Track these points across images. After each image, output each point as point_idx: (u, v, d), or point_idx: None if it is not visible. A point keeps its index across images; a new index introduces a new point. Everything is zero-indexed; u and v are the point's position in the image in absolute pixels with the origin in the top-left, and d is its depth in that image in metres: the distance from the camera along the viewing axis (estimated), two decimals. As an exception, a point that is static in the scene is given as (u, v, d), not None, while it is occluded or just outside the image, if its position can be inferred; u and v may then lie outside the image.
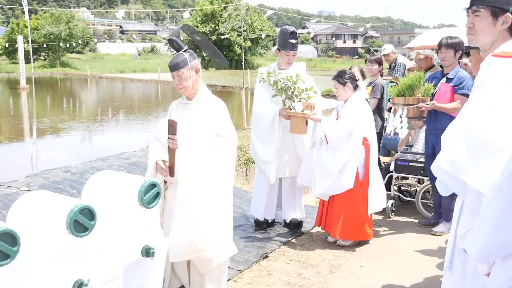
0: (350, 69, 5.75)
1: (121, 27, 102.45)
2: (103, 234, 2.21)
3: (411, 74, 5.44)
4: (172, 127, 3.24)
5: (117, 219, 2.32)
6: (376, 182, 5.18)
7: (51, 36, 49.09)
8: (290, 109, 5.05)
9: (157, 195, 2.41)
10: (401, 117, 5.31)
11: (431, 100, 5.21)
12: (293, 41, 5.17)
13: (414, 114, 5.29)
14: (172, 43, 3.44)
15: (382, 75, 7.39)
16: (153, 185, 2.39)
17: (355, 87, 5.08)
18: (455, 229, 2.59)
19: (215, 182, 3.28)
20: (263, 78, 5.09)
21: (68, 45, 49.04)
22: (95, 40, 72.05)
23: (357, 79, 5.14)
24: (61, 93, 30.65)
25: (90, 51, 67.38)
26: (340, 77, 5.05)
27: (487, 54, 2.52)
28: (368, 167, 5.06)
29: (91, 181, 2.47)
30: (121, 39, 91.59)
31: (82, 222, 2.03)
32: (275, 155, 5.12)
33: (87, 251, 2.15)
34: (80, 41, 52.64)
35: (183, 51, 3.41)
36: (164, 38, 77.16)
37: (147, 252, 2.40)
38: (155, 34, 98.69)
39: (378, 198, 5.19)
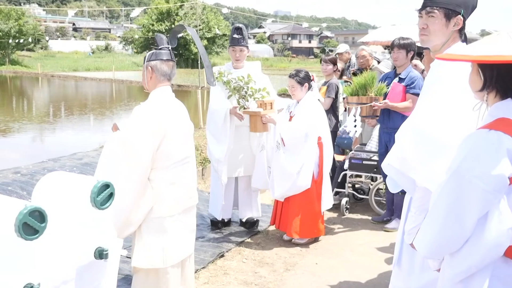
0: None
1: (74, 24, 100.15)
2: (54, 236, 2.16)
3: (364, 73, 5.55)
4: (113, 129, 3.23)
5: (69, 221, 2.27)
6: (328, 180, 5.28)
7: (0, 33, 47.50)
8: (245, 108, 5.06)
9: (111, 195, 2.37)
10: (354, 116, 5.41)
11: (384, 99, 5.33)
12: (237, 36, 5.19)
13: (367, 113, 5.40)
14: (156, 38, 3.40)
15: (342, 75, 7.52)
16: (107, 186, 2.35)
17: (310, 87, 5.13)
18: (403, 225, 2.66)
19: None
20: (216, 78, 5.09)
21: (18, 43, 47.56)
22: (47, 38, 70.08)
23: (313, 79, 5.20)
24: (11, 92, 29.67)
25: (42, 48, 65.52)
26: (299, 76, 5.08)
27: (438, 54, 2.59)
28: (322, 166, 5.13)
29: (42, 182, 2.41)
30: (74, 37, 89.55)
31: (32, 224, 1.98)
32: (227, 153, 5.12)
33: (38, 254, 2.09)
34: (30, 39, 51.16)
35: (157, 48, 3.34)
36: (119, 37, 75.92)
37: (100, 254, 2.36)
38: (109, 32, 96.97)
39: (330, 196, 5.30)
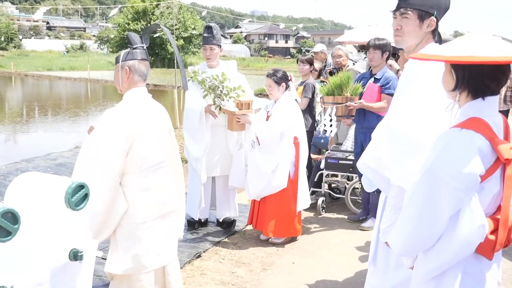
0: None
1: (48, 23, 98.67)
2: (27, 238, 2.13)
3: (340, 73, 5.59)
4: (89, 131, 3.18)
5: (43, 222, 2.24)
6: (304, 180, 5.30)
7: (-28, 32, 46.61)
8: (221, 108, 5.06)
9: (86, 196, 2.34)
10: (330, 116, 5.44)
11: (360, 99, 5.38)
12: (207, 34, 5.20)
13: (343, 113, 5.45)
14: (128, 37, 3.31)
15: (320, 75, 7.54)
16: (81, 187, 2.32)
17: (287, 87, 5.15)
18: (379, 223, 2.69)
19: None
20: (191, 77, 5.09)
21: (-10, 41, 46.69)
22: (20, 36, 68.96)
23: (290, 79, 5.22)
24: (-17, 92, 29.14)
25: (15, 47, 64.34)
26: (276, 76, 5.09)
27: (412, 54, 2.63)
28: (298, 166, 5.15)
29: (15, 183, 2.37)
30: (48, 36, 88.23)
31: (4, 226, 1.94)
32: (205, 152, 5.11)
33: (10, 257, 2.06)
34: (3, 37, 50.23)
35: (132, 48, 3.23)
36: (94, 36, 75.07)
37: (75, 256, 2.33)
38: (84, 31, 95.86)
39: (306, 195, 5.31)
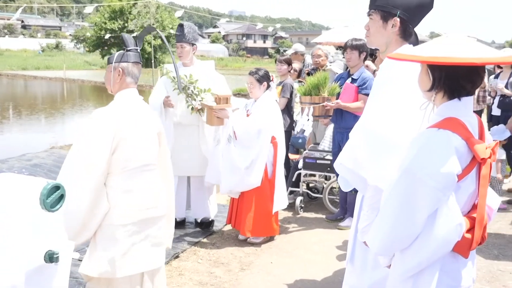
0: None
1: (22, 21, 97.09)
2: (1, 240, 2.09)
3: (317, 73, 5.62)
4: None
5: (18, 224, 2.20)
6: (282, 180, 5.30)
7: None
8: (193, 108, 5.06)
9: (61, 197, 2.31)
10: (308, 116, 5.48)
11: (337, 99, 5.41)
12: (178, 33, 5.24)
13: (320, 113, 5.47)
14: (123, 39, 3.28)
15: (300, 75, 7.56)
16: (57, 187, 2.29)
17: (268, 87, 5.16)
18: (356, 223, 2.71)
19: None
20: (163, 74, 5.10)
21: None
22: (-6, 35, 67.77)
23: (272, 80, 5.24)
24: (-44, 91, 28.58)
25: (-12, 46, 63.26)
26: (259, 74, 5.11)
27: (384, 56, 2.67)
28: (276, 165, 5.17)
29: (-11, 184, 2.33)
30: (23, 34, 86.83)
31: (-22, 228, 1.91)
32: (170, 147, 5.09)
33: (-16, 259, 2.02)
34: (-24, 36, 49.34)
35: (126, 50, 3.21)
36: (70, 35, 74.12)
37: (51, 258, 2.29)
38: (60, 30, 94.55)
39: (283, 196, 5.31)
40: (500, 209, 6.43)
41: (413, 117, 2.36)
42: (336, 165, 2.67)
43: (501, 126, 6.37)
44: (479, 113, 7.44)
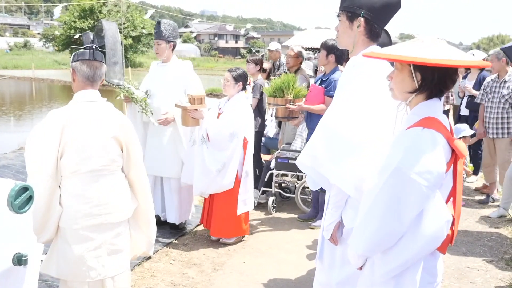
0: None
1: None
2: (-32, 243, 2.04)
3: (283, 75, 5.63)
4: None
5: (-15, 226, 2.15)
6: (248, 182, 5.22)
7: None
8: (144, 110, 5.08)
9: (30, 199, 2.27)
10: (272, 116, 5.50)
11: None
12: (155, 30, 5.28)
13: (283, 114, 5.51)
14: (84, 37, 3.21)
15: (270, 75, 7.53)
16: (25, 189, 2.25)
17: (244, 88, 5.15)
18: (323, 221, 2.74)
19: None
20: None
21: None
22: (-41, 34, 66.10)
23: (249, 83, 5.24)
24: None
25: (-47, 45, 61.66)
26: (237, 73, 5.10)
27: (352, 55, 2.72)
28: (243, 166, 5.13)
29: (-46, 186, 2.27)
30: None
31: None
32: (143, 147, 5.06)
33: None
34: None
35: (82, 48, 3.11)
36: (38, 33, 72.82)
37: (19, 260, 2.25)
38: (28, 28, 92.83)
39: (249, 197, 5.24)
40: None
41: (374, 117, 2.40)
42: (297, 163, 2.69)
43: (461, 126, 6.47)
44: (445, 113, 7.58)
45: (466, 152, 1.95)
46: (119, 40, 3.37)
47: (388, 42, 3.06)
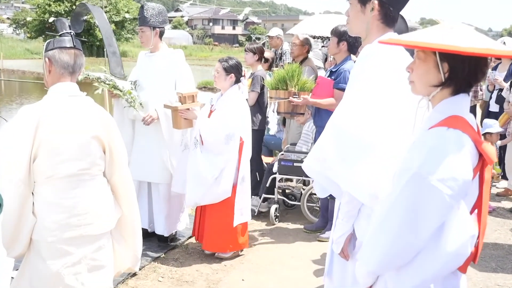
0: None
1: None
2: None
3: (286, 65, 5.62)
4: None
5: None
6: (245, 189, 5.20)
7: None
8: (130, 106, 5.07)
9: (-1, 207, 2.27)
10: (274, 112, 5.47)
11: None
12: (139, 15, 5.27)
13: (286, 109, 5.48)
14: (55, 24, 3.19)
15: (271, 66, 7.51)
16: (-6, 197, 2.26)
17: (238, 81, 5.14)
18: (332, 233, 2.73)
19: None
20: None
21: None
22: None
23: (244, 75, 5.21)
24: None
25: None
26: (228, 63, 5.08)
27: (365, 43, 2.71)
28: (239, 170, 5.10)
29: None
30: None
31: None
32: (129, 148, 5.07)
33: None
34: None
35: (58, 35, 3.09)
36: (8, 18, 72.80)
37: (-13, 277, 2.26)
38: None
39: (246, 207, 5.22)
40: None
41: (391, 114, 2.39)
42: (304, 167, 2.68)
43: (490, 121, 6.47)
44: (471, 110, 7.57)
45: (495, 158, 1.91)
46: (111, 29, 3.32)
47: (405, 29, 3.07)
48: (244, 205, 5.18)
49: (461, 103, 1.92)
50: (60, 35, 3.09)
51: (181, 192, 5.18)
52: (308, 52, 6.93)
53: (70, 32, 3.11)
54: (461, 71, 1.87)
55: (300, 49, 6.80)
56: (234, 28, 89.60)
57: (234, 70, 5.08)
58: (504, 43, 8.17)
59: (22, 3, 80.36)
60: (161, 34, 5.28)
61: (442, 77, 1.90)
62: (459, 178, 1.78)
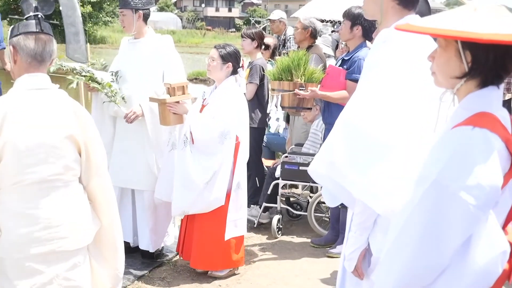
0: None
1: None
2: None
3: (291, 52, 5.60)
4: None
5: None
6: (241, 196, 5.20)
7: None
8: (111, 101, 5.06)
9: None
10: (276, 106, 5.45)
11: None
12: None
13: (291, 104, 5.46)
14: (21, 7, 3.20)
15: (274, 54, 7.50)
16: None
17: (235, 72, 5.14)
18: (344, 247, 2.73)
19: None
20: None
21: None
22: None
23: (242, 66, 5.20)
24: None
25: None
26: (225, 50, 5.07)
27: (382, 28, 2.71)
28: (234, 175, 5.09)
29: None
30: None
31: None
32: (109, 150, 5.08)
33: None
34: None
35: (24, 18, 3.08)
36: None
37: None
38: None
39: (241, 217, 5.21)
40: None
41: (410, 109, 2.39)
42: (309, 172, 2.68)
43: None
44: (505, 105, 7.56)
45: None
46: (77, 5, 3.31)
47: (426, 10, 3.07)
48: (239, 216, 5.15)
49: (490, 97, 1.90)
50: (26, 18, 3.07)
51: (165, 199, 5.12)
52: (313, 37, 6.88)
53: (37, 15, 3.08)
54: (485, 61, 1.85)
55: (301, 33, 6.77)
56: (230, 10, 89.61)
57: (232, 59, 5.07)
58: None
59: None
60: (145, 17, 5.25)
61: (465, 67, 1.88)
62: (486, 186, 1.75)
